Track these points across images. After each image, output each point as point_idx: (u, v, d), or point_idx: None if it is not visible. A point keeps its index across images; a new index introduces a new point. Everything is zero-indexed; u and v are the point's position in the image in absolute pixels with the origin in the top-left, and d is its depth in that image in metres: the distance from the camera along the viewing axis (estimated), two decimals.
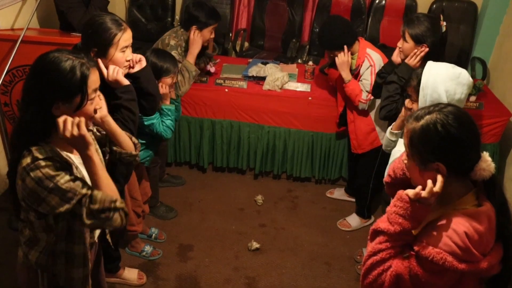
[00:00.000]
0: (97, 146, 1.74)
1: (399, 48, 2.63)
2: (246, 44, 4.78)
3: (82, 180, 1.51)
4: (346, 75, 3.02)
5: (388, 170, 1.72)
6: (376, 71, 2.93)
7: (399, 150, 2.02)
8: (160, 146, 2.97)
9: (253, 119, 3.59)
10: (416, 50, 2.52)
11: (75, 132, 1.44)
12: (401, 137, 2.23)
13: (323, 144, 3.64)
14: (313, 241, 3.23)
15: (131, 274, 2.82)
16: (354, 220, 3.39)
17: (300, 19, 4.58)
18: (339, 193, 3.71)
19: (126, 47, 2.09)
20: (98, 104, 1.62)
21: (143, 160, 2.70)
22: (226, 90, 3.52)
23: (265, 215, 3.46)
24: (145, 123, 2.55)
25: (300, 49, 4.51)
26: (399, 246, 1.41)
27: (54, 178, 1.45)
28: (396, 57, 2.68)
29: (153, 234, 3.14)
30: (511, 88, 3.74)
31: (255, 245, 3.11)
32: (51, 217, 1.58)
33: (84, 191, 1.48)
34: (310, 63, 3.72)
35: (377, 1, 4.39)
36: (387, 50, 3.73)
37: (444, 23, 2.62)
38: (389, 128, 2.31)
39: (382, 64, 2.96)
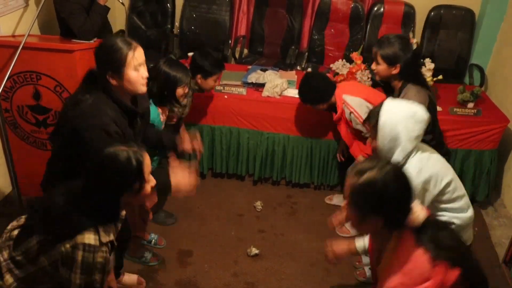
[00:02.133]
0: None
1: (374, 70, 2.70)
2: (245, 51, 4.81)
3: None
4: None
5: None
6: (360, 113, 2.99)
7: None
8: None
9: (252, 125, 3.61)
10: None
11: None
12: None
13: (322, 150, 3.65)
14: (312, 247, 3.24)
15: (130, 279, 2.82)
16: None
17: (299, 26, 4.61)
18: (338, 199, 3.72)
19: (140, 65, 2.10)
20: (153, 182, 1.73)
21: None
22: (226, 96, 3.54)
23: (264, 221, 3.47)
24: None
25: (299, 56, 4.54)
26: None
27: (94, 273, 1.57)
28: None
29: (153, 240, 3.14)
30: (509, 95, 3.76)
31: (254, 250, 3.11)
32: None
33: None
34: (309, 69, 3.74)
35: (375, 8, 4.42)
36: None
37: (414, 40, 2.69)
38: None
39: (364, 104, 3.00)
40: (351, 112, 3.04)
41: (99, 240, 1.58)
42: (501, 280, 2.99)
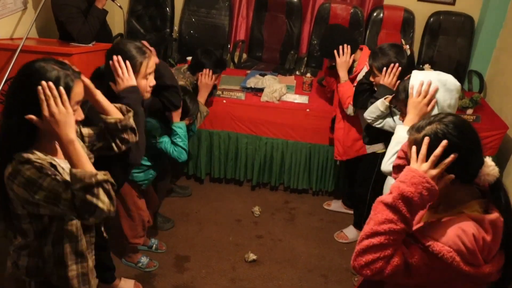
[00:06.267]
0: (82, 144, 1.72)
1: (373, 82, 2.66)
2: (244, 55, 4.80)
3: (65, 182, 1.48)
4: (343, 75, 3.02)
5: (398, 153, 1.71)
6: None
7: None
8: None
9: (251, 130, 3.60)
10: (389, 70, 2.52)
11: (61, 110, 1.45)
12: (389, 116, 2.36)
13: (320, 156, 3.64)
14: (310, 253, 3.22)
15: (127, 284, 2.80)
16: (351, 232, 3.38)
17: (298, 31, 4.61)
18: (336, 205, 3.71)
19: (150, 73, 2.13)
20: (80, 116, 1.59)
21: (141, 182, 2.70)
22: (224, 101, 3.53)
23: (262, 226, 3.45)
24: (158, 146, 2.61)
25: (298, 61, 4.53)
26: (401, 232, 1.35)
27: (37, 181, 1.45)
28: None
29: (154, 245, 3.12)
30: (508, 102, 3.76)
31: (252, 256, 3.10)
32: (46, 218, 1.58)
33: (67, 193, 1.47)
34: (308, 75, 3.73)
35: (375, 14, 4.42)
36: None
37: (407, 47, 2.64)
38: (384, 99, 2.34)
39: None
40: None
41: (15, 164, 1.47)
42: None
